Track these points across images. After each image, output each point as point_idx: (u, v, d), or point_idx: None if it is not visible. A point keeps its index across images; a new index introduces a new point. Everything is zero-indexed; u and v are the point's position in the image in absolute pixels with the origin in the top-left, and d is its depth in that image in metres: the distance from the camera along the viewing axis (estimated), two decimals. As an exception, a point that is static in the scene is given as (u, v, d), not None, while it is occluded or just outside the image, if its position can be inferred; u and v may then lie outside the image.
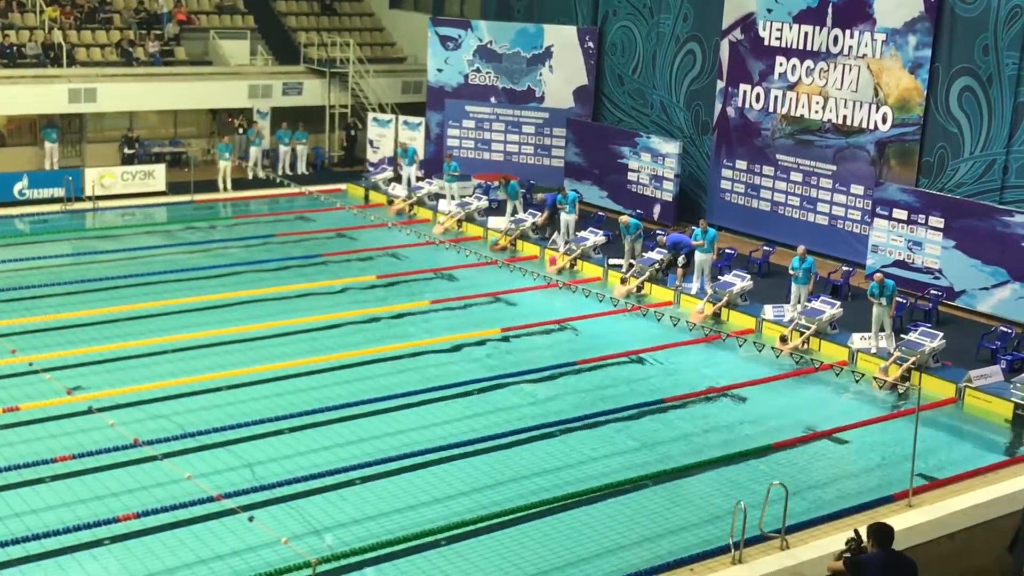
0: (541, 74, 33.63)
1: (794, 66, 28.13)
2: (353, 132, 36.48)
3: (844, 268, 25.47)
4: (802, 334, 21.89)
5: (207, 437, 16.85)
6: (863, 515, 14.93)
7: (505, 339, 22.13)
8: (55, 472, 15.61)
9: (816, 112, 27.78)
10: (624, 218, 26.38)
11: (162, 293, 23.58)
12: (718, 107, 29.99)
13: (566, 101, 33.53)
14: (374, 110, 35.74)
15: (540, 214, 28.51)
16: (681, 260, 24.87)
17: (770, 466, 16.96)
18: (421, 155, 33.64)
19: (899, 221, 25.24)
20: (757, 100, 29.06)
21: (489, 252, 27.70)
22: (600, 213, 29.72)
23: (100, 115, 33.87)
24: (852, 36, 26.86)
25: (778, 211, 28.81)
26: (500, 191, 29.86)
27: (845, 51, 27.05)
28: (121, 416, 17.30)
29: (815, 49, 27.63)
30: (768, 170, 29.03)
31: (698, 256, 24.50)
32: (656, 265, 25.00)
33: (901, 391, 20.14)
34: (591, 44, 33.07)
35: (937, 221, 24.58)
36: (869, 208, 26.33)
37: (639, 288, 24.84)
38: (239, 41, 36.91)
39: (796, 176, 28.39)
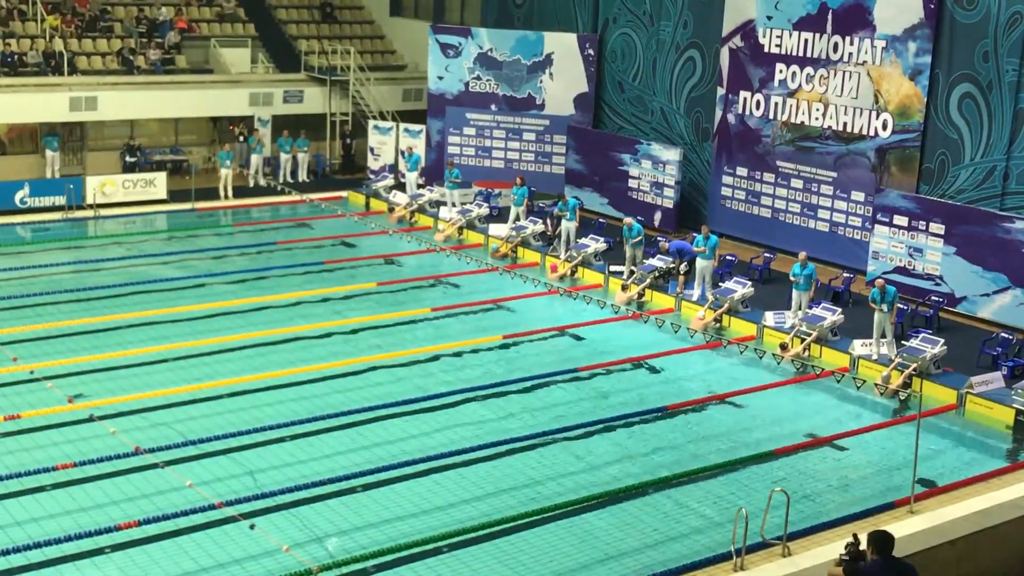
0: (541, 81, 33.66)
1: (794, 73, 28.15)
2: (349, 140, 36.51)
3: (845, 274, 25.47)
4: (803, 341, 21.88)
5: (208, 445, 16.84)
6: (865, 522, 14.90)
7: (506, 346, 22.13)
8: (56, 480, 15.61)
9: (816, 119, 27.79)
10: (628, 220, 26.34)
11: (163, 301, 23.59)
12: (718, 114, 30.01)
13: (566, 108, 33.55)
14: (375, 118, 35.77)
15: (540, 221, 28.52)
16: (683, 267, 24.87)
17: (771, 473, 16.96)
18: (422, 162, 33.65)
19: (900, 227, 25.25)
20: (757, 107, 29.07)
21: (490, 259, 27.72)
22: (601, 220, 29.72)
23: (101, 123, 33.88)
24: (852, 43, 26.88)
25: (779, 218, 28.81)
26: (514, 192, 29.53)
27: (845, 58, 27.07)
28: (122, 424, 17.30)
29: (815, 56, 27.65)
30: (769, 177, 29.03)
31: (699, 263, 24.50)
32: (655, 272, 24.99)
33: (902, 397, 20.13)
34: (591, 51, 33.10)
35: (938, 227, 24.58)
36: (870, 214, 26.33)
37: (640, 295, 24.84)
38: (240, 49, 36.95)
39: (797, 183, 28.40)
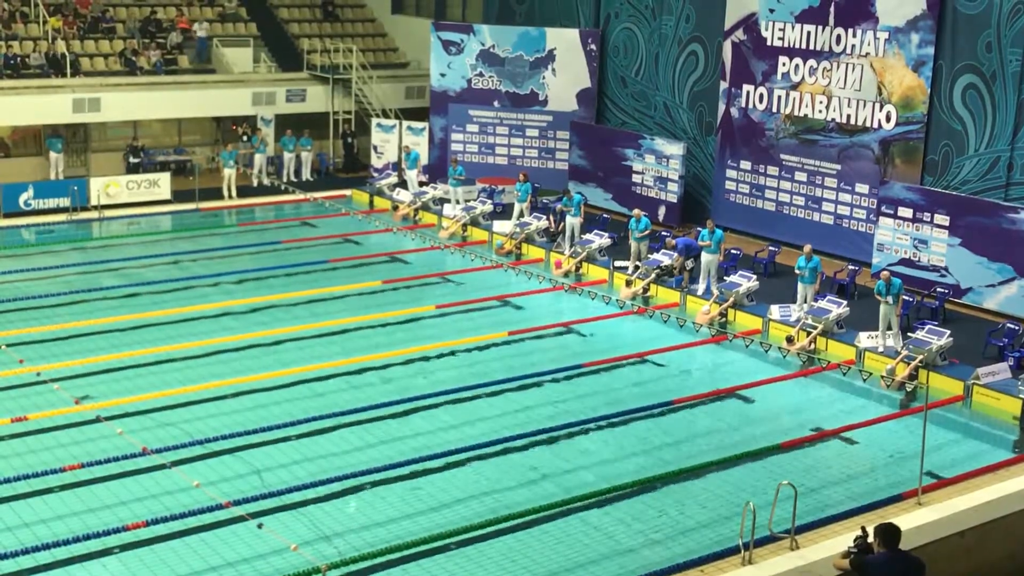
0: (544, 77, 33.65)
1: (797, 66, 28.11)
2: (351, 139, 36.52)
3: (850, 267, 25.44)
4: (809, 334, 21.86)
5: (215, 444, 16.86)
6: (872, 514, 14.91)
7: (511, 342, 22.13)
8: (64, 481, 15.64)
9: (820, 111, 27.75)
10: (638, 212, 26.24)
11: (168, 301, 23.61)
12: (721, 108, 29.98)
13: (569, 104, 33.53)
14: (377, 116, 35.78)
15: (544, 218, 28.50)
16: (689, 264, 24.84)
17: (778, 466, 16.95)
18: (425, 160, 33.67)
19: (904, 219, 25.22)
20: (760, 100, 29.04)
21: (495, 256, 27.73)
22: (605, 215, 29.70)
23: (104, 124, 33.94)
24: (855, 35, 26.84)
25: (783, 211, 28.78)
26: (517, 188, 29.58)
27: (848, 50, 27.03)
28: (129, 424, 17.33)
29: (818, 48, 27.60)
30: (772, 170, 29.00)
31: (705, 257, 24.49)
32: (658, 269, 24.92)
33: (909, 389, 20.11)
34: (593, 46, 33.08)
35: (942, 219, 24.55)
36: (874, 207, 26.31)
37: (645, 290, 24.82)
38: (242, 49, 36.97)
39: (801, 176, 28.37)
